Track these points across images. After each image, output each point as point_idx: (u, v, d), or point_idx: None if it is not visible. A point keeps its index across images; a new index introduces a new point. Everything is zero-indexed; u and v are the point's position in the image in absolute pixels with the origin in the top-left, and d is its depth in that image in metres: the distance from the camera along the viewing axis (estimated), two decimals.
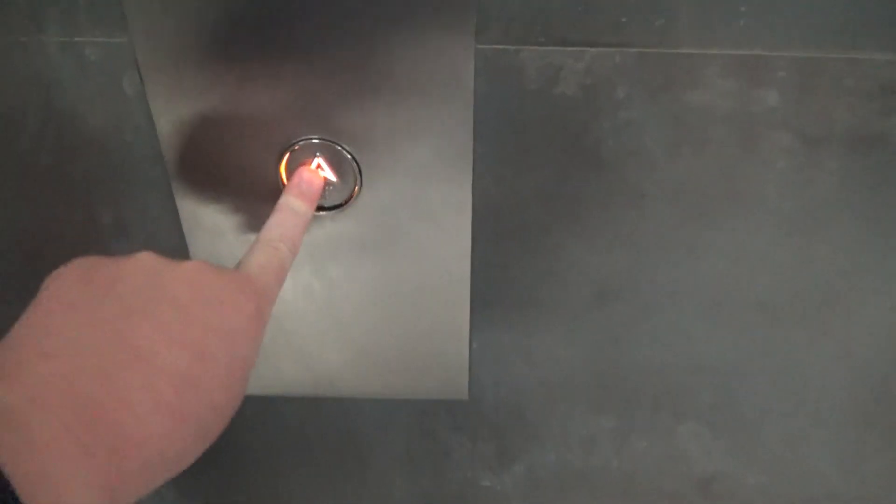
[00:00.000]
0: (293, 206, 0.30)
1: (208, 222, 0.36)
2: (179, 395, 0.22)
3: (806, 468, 0.46)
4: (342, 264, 0.37)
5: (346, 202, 0.35)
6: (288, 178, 0.34)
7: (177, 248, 0.37)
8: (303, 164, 0.33)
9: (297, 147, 0.33)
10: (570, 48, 0.31)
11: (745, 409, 0.43)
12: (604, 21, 0.30)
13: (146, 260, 0.24)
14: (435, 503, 0.49)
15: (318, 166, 0.34)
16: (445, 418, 0.45)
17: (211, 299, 0.24)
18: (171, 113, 0.32)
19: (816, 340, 0.40)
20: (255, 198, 0.35)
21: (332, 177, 0.34)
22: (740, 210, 0.35)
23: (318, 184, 0.33)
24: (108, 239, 0.37)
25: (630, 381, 0.42)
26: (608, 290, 0.39)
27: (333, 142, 0.33)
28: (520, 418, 0.45)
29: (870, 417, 0.44)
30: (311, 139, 0.33)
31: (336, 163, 0.34)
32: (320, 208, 0.35)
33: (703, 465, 0.46)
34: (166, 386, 0.21)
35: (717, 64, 0.31)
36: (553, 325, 0.40)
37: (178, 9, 0.29)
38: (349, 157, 0.34)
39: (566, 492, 0.47)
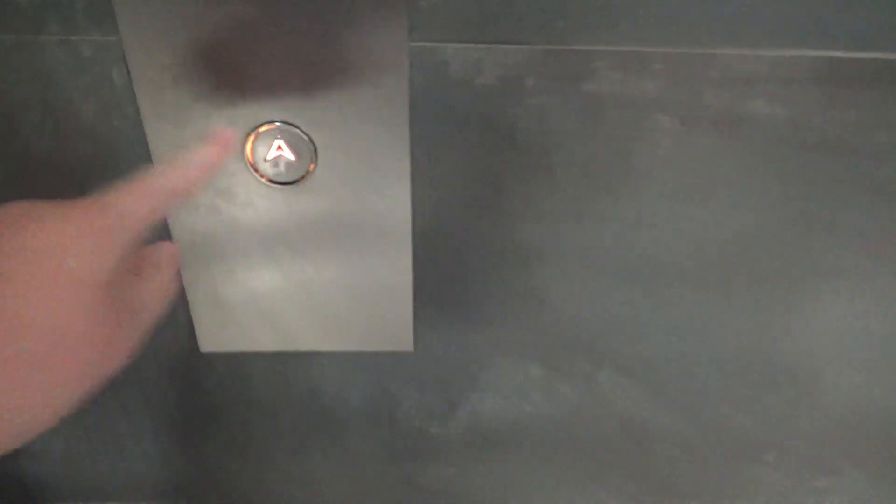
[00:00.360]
0: (190, 160, 0.31)
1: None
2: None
3: (709, 410, 0.53)
4: (301, 231, 0.43)
5: (304, 177, 0.41)
6: (253, 157, 0.40)
7: None
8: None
9: (261, 130, 0.40)
10: (487, 45, 0.37)
11: (654, 357, 0.50)
12: (514, 22, 0.37)
13: None
14: (390, 450, 0.55)
15: (279, 147, 0.40)
16: (397, 373, 0.51)
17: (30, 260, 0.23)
18: (154, 101, 0.38)
19: (712, 295, 0.47)
20: (225, 173, 0.41)
21: (290, 156, 0.41)
22: (634, 181, 0.42)
23: (211, 162, 0.32)
24: None
25: (552, 333, 0.49)
26: (530, 254, 0.45)
27: (292, 125, 0.40)
28: (462, 371, 0.51)
29: (764, 361, 0.51)
30: (274, 122, 0.39)
31: (294, 143, 0.40)
32: (284, 183, 0.41)
33: (621, 409, 0.53)
34: None
35: (606, 58, 0.38)
36: (487, 286, 0.47)
37: (162, 13, 0.35)
38: (306, 138, 0.40)
39: (504, 435, 0.54)
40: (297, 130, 0.40)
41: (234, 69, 0.38)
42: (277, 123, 0.40)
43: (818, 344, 0.49)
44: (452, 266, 0.46)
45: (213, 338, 0.48)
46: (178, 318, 0.48)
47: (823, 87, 0.38)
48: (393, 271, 0.45)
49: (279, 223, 0.43)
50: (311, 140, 0.40)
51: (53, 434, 0.54)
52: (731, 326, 0.49)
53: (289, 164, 0.41)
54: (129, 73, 0.37)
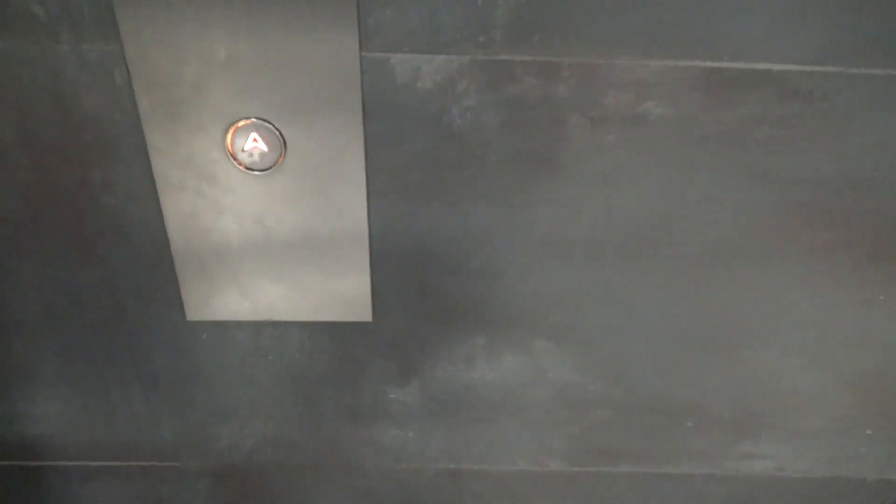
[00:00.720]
0: None
1: (175, 181, 0.50)
2: None
3: (635, 376, 0.60)
4: (274, 213, 0.51)
5: (275, 165, 0.49)
6: (232, 148, 0.48)
7: (152, 201, 0.50)
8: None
9: (239, 124, 0.47)
10: (424, 55, 0.45)
11: (586, 329, 0.58)
12: (443, 37, 0.45)
13: None
14: (353, 412, 0.62)
15: (255, 139, 0.48)
16: (360, 342, 0.59)
17: None
18: (150, 98, 0.46)
19: (634, 271, 0.55)
20: (209, 161, 0.48)
21: (264, 147, 0.48)
22: (554, 169, 0.50)
23: None
24: (98, 195, 0.51)
25: (494, 306, 0.56)
26: (472, 235, 0.53)
27: (266, 120, 0.47)
28: (416, 341, 0.58)
29: (683, 333, 0.58)
30: (250, 118, 0.47)
31: (267, 136, 0.48)
32: (258, 170, 0.49)
33: (557, 376, 0.60)
34: None
35: (524, 66, 0.46)
36: (436, 263, 0.54)
37: (158, 25, 0.43)
38: (277, 132, 0.48)
39: (455, 400, 0.61)
40: (270, 125, 0.47)
41: (217, 72, 0.45)
42: (253, 119, 0.47)
43: (732, 318, 0.57)
44: (404, 244, 0.53)
45: (198, 308, 0.56)
46: (168, 291, 0.55)
47: (705, 91, 0.46)
48: (352, 249, 0.53)
49: (254, 206, 0.51)
50: (281, 134, 0.48)
51: (52, 398, 0.61)
52: (653, 300, 0.56)
53: (262, 154, 0.48)
54: (129, 74, 0.45)
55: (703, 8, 0.44)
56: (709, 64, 0.45)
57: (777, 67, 0.45)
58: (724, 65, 0.45)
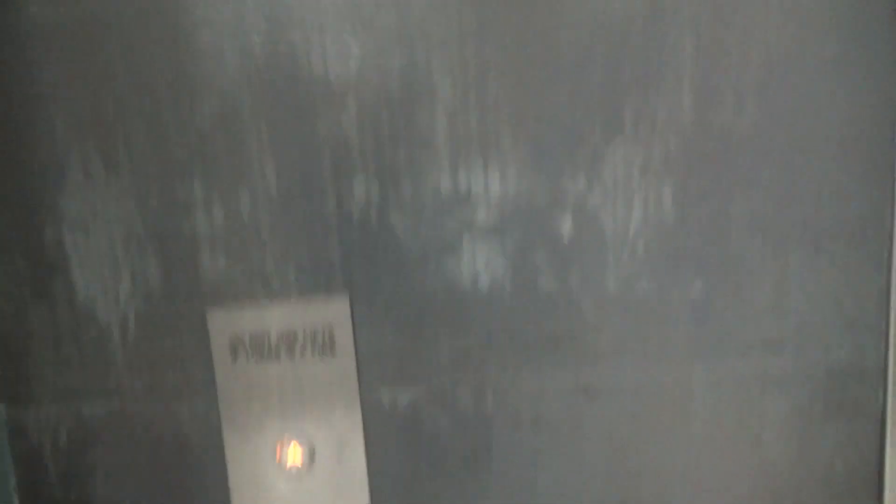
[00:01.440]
0: None
1: (243, 478, 0.75)
2: None
3: None
4: (308, 495, 0.75)
5: (309, 466, 0.74)
6: (280, 454, 0.74)
7: (226, 493, 0.75)
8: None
9: (284, 440, 0.74)
10: (398, 388, 0.72)
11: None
12: (410, 376, 0.72)
13: None
14: None
15: (294, 449, 0.74)
16: None
17: None
18: (230, 428, 0.73)
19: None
20: (265, 465, 0.74)
21: (300, 454, 0.74)
22: (487, 459, 0.74)
23: None
24: (194, 489, 0.76)
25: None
26: (442, 498, 0.75)
27: (302, 437, 0.74)
28: None
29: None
30: (293, 438, 0.74)
31: (305, 448, 0.74)
32: (295, 469, 0.74)
33: None
34: None
35: (460, 386, 0.72)
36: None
37: (238, 393, 0.72)
38: (310, 445, 0.74)
39: None
40: (305, 440, 0.74)
41: (274, 408, 0.73)
42: (296, 437, 0.74)
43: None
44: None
45: None
46: None
47: (584, 396, 0.71)
48: None
49: (295, 494, 0.75)
50: (313, 446, 0.74)
51: None
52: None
53: (302, 457, 0.74)
54: (220, 416, 0.73)
55: (575, 341, 0.71)
56: (581, 380, 0.71)
57: (632, 374, 0.70)
58: (591, 380, 0.71)
